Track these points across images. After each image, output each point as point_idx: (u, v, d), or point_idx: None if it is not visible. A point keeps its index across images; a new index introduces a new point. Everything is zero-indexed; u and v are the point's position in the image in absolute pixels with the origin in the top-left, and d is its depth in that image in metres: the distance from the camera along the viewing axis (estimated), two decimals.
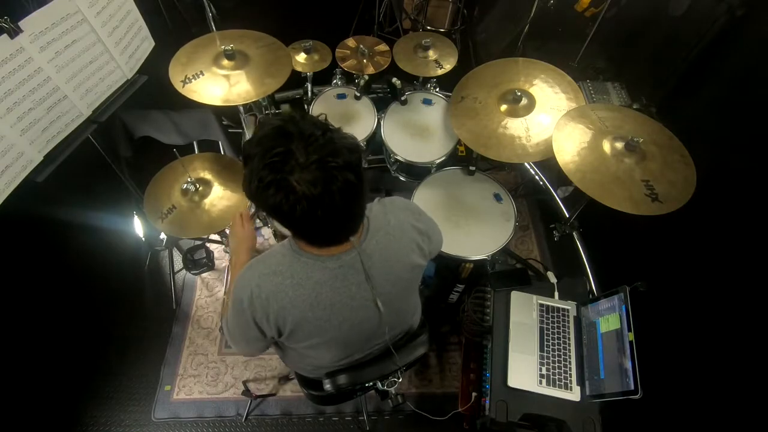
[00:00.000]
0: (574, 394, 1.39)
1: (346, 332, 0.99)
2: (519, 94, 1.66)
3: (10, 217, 1.28)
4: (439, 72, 2.04)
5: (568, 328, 1.51)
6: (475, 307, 1.63)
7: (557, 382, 1.41)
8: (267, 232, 2.37)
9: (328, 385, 1.11)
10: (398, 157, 1.88)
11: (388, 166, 2.05)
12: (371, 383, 1.19)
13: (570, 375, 1.42)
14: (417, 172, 1.95)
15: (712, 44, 1.85)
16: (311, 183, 0.70)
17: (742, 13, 1.72)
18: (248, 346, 1.04)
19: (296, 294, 0.89)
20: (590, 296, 1.62)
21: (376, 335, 1.07)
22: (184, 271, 2.23)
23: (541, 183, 2.23)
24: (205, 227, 1.67)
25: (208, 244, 2.27)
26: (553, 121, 1.58)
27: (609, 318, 1.38)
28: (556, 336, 1.50)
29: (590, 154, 1.43)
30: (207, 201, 1.70)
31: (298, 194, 0.71)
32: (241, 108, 2.06)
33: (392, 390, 1.22)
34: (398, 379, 1.20)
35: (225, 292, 2.19)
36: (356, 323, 0.98)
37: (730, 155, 1.69)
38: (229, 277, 1.15)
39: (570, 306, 1.56)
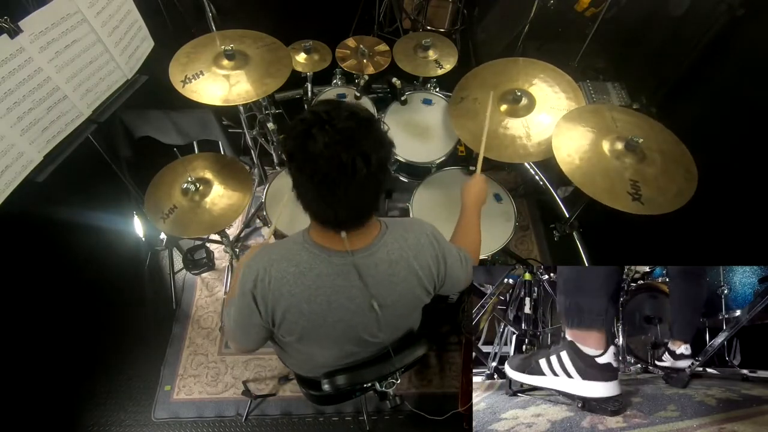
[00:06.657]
0: None
1: (340, 332, 0.98)
2: (519, 94, 1.66)
3: (10, 217, 1.28)
4: (439, 72, 2.04)
5: None
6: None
7: None
8: (267, 231, 2.37)
9: (326, 386, 1.10)
10: (398, 157, 1.88)
11: (388, 166, 2.05)
12: (370, 384, 1.18)
13: None
14: (417, 172, 1.95)
15: (712, 44, 1.85)
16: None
17: (742, 13, 1.72)
18: (248, 336, 1.00)
19: (297, 283, 0.89)
20: None
21: (372, 342, 1.06)
22: (184, 271, 2.23)
23: (541, 183, 2.23)
24: (206, 226, 1.68)
25: (208, 244, 2.27)
26: (553, 120, 1.58)
27: None
28: None
29: (590, 149, 1.44)
30: (208, 200, 1.70)
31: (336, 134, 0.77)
32: (241, 108, 2.06)
33: (391, 391, 1.21)
34: (397, 380, 1.20)
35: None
36: (352, 325, 0.98)
37: (730, 155, 1.69)
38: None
39: None
